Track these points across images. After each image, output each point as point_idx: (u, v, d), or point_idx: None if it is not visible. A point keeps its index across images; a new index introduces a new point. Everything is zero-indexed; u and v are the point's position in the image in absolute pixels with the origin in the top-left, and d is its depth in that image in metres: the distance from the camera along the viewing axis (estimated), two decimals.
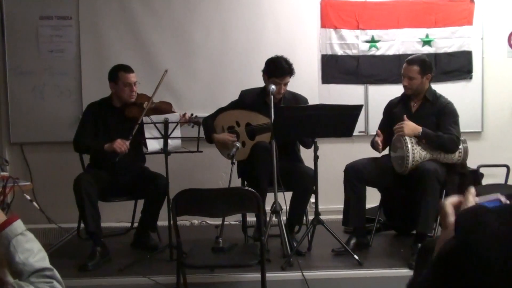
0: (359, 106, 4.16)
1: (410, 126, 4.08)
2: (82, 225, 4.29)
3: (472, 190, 1.19)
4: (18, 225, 1.52)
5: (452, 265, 1.00)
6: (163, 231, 4.37)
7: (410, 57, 4.37)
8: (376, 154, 4.41)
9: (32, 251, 1.50)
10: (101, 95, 4.59)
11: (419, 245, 3.93)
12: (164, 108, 4.39)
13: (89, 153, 4.47)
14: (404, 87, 4.30)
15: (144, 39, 5.28)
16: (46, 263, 1.52)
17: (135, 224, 4.63)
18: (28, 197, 3.42)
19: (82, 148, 4.40)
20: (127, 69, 4.41)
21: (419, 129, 4.08)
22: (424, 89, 4.27)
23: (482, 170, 5.03)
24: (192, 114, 4.31)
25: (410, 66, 4.24)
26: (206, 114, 4.53)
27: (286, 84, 4.27)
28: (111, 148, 4.15)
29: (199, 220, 5.25)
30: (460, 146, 4.15)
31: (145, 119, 4.11)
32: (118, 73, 4.38)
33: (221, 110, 4.47)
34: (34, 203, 3.46)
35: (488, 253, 0.94)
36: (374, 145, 4.30)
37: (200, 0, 5.30)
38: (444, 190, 4.12)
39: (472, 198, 1.23)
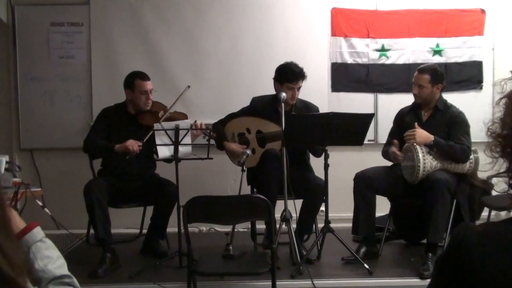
0: (370, 114, 4.16)
1: (422, 134, 4.08)
2: (91, 231, 4.31)
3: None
4: (38, 231, 1.51)
5: (444, 263, 1.19)
6: (172, 238, 4.38)
7: (422, 66, 4.37)
8: (386, 163, 4.41)
9: (51, 258, 1.49)
10: (111, 101, 4.60)
11: (430, 254, 3.92)
12: (179, 118, 4.37)
13: (98, 153, 4.42)
14: (414, 95, 4.30)
15: (154, 46, 5.31)
16: (65, 270, 1.51)
17: (144, 231, 4.63)
18: (40, 203, 3.43)
19: (91, 148, 4.34)
20: (144, 76, 4.40)
21: (431, 137, 4.07)
22: (434, 98, 4.26)
23: (492, 180, 5.00)
24: (207, 128, 4.25)
25: (421, 74, 4.24)
26: (216, 121, 4.54)
27: (299, 89, 4.28)
28: (123, 148, 4.14)
29: (208, 227, 5.26)
30: (471, 156, 4.14)
31: (156, 125, 4.10)
32: (135, 80, 4.37)
33: (231, 116, 4.48)
34: (46, 209, 3.47)
35: (470, 246, 1.14)
36: (390, 155, 4.27)
37: (211, 7, 5.33)
38: (455, 200, 4.10)
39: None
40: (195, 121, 4.19)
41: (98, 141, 4.30)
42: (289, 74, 4.24)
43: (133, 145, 4.12)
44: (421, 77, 4.22)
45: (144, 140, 4.16)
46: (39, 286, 1.45)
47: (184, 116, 4.42)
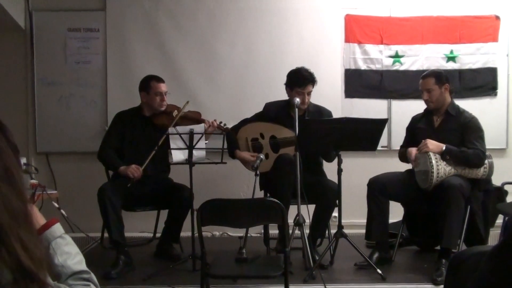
0: (384, 120, 4.16)
1: (433, 144, 4.08)
2: (105, 234, 4.34)
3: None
4: (57, 228, 1.54)
5: (498, 260, 1.14)
6: (186, 242, 4.40)
7: (424, 73, 4.39)
8: (399, 169, 4.40)
9: (70, 254, 1.52)
10: (126, 106, 4.65)
11: (443, 260, 3.90)
12: (193, 116, 4.44)
13: (107, 167, 4.52)
14: (425, 102, 4.30)
15: (169, 51, 5.36)
16: (83, 266, 1.54)
17: (158, 234, 4.66)
18: (57, 205, 3.46)
19: (103, 160, 4.45)
20: (159, 79, 4.49)
21: (442, 146, 4.07)
22: (445, 101, 4.25)
23: (506, 187, 4.97)
24: (221, 122, 4.38)
25: (425, 79, 4.28)
26: (231, 126, 4.56)
27: (309, 94, 4.30)
28: (125, 172, 4.21)
29: (221, 231, 5.27)
30: (485, 161, 4.12)
31: (171, 129, 4.13)
32: (150, 82, 4.45)
33: (245, 122, 4.50)
34: (62, 211, 3.50)
35: None
36: (407, 153, 4.29)
37: (225, 13, 5.37)
38: (469, 206, 4.08)
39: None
40: (214, 120, 4.39)
41: (110, 155, 4.39)
42: (299, 79, 4.27)
43: (134, 171, 4.19)
44: (426, 81, 4.26)
45: (147, 161, 4.21)
46: (58, 281, 1.48)
47: (198, 115, 4.49)
